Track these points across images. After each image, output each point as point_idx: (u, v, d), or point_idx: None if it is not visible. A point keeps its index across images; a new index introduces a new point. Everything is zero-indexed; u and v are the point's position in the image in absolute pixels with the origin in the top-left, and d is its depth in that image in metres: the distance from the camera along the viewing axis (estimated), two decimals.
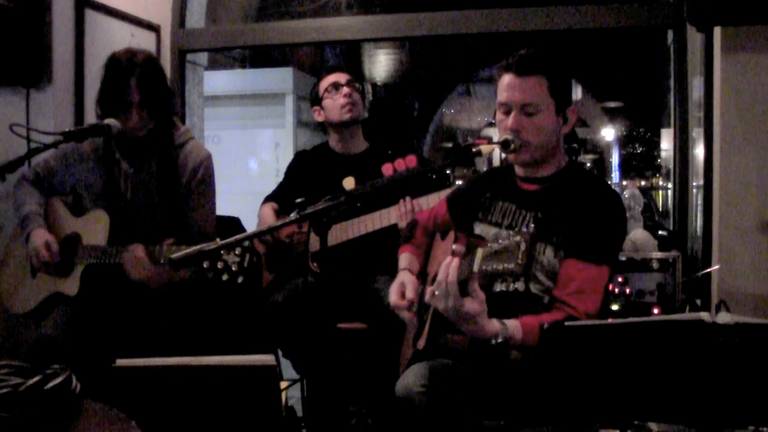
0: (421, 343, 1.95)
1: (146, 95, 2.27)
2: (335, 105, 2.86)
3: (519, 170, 2.00)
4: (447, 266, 1.61)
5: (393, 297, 2.07)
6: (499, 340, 1.63)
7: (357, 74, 3.14)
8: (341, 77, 2.88)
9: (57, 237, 2.42)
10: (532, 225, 1.44)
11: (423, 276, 2.18)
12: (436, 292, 1.62)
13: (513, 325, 1.65)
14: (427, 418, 1.79)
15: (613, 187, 2.05)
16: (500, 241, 1.48)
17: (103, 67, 2.33)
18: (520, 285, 1.43)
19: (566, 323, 1.45)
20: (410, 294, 2.04)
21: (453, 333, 1.86)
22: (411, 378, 1.86)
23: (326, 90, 2.88)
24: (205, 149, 2.48)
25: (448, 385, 1.84)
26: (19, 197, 2.49)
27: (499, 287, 1.42)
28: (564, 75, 1.93)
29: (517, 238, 1.44)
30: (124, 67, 2.27)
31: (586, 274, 1.76)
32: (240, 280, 1.98)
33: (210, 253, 1.79)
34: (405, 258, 2.20)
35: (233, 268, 2.00)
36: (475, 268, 1.50)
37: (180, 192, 2.40)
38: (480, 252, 1.51)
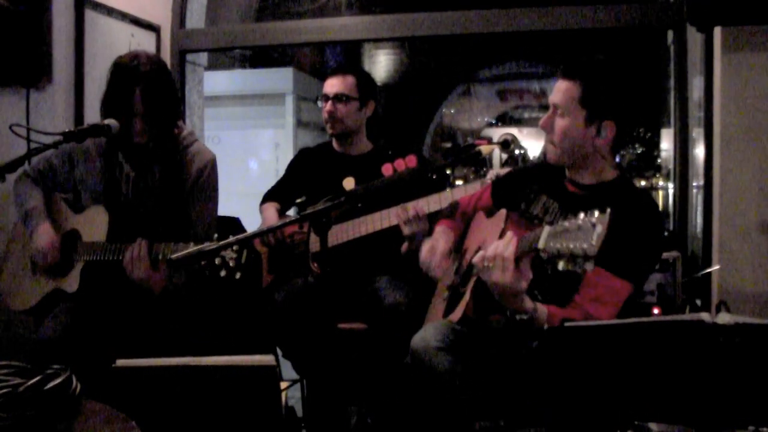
0: (456, 316, 1.95)
1: (151, 106, 2.25)
2: (323, 115, 2.84)
3: (567, 171, 2.02)
4: (507, 241, 1.63)
5: (424, 253, 2.14)
6: (525, 317, 1.67)
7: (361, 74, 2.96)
8: (332, 86, 2.81)
9: (57, 234, 2.41)
10: (609, 210, 1.43)
11: (457, 252, 2.20)
12: (489, 264, 1.63)
13: (541, 310, 1.71)
14: (439, 375, 1.80)
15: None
16: (572, 220, 1.46)
17: (108, 71, 2.31)
18: (589, 266, 1.41)
19: (566, 323, 1.46)
20: (444, 246, 2.12)
21: (493, 312, 1.88)
22: (431, 332, 1.88)
23: (322, 96, 2.86)
24: (210, 152, 2.47)
25: (466, 351, 1.85)
26: (22, 193, 2.48)
27: (563, 266, 1.41)
28: (605, 87, 1.89)
29: (594, 219, 1.42)
30: (129, 76, 2.24)
31: (608, 284, 1.77)
32: (238, 276, 1.98)
33: (209, 253, 1.79)
34: (440, 229, 2.25)
35: (231, 264, 2.00)
36: (541, 245, 1.50)
37: (182, 194, 2.39)
38: (547, 229, 1.51)
